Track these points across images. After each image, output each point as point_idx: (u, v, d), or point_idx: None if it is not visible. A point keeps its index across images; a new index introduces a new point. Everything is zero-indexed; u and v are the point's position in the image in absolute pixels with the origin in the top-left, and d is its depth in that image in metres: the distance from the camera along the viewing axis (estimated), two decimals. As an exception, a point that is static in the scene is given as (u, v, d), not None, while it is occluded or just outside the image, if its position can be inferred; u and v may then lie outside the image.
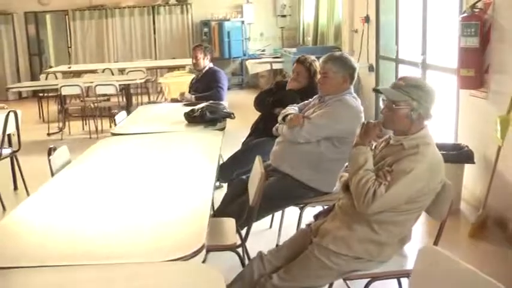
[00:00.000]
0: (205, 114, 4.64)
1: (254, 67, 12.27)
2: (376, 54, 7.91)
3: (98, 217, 2.63)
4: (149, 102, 8.72)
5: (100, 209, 2.74)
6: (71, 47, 13.90)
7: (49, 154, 3.54)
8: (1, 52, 13.76)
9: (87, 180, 3.26)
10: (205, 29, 13.61)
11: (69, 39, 13.92)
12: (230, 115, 4.82)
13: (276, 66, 11.98)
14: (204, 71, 6.31)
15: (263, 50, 13.74)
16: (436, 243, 2.72)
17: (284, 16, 13.72)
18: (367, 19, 8.06)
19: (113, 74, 10.53)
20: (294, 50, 10.42)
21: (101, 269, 2.06)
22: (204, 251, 2.15)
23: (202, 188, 2.92)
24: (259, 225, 4.23)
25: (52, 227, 2.52)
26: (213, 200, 4.52)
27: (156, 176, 3.27)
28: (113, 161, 3.71)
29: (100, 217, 2.62)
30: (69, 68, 11.81)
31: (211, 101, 5.05)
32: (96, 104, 9.08)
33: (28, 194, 5.67)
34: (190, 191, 2.92)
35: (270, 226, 4.51)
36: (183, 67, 10.57)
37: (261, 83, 12.71)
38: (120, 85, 8.88)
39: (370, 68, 8.01)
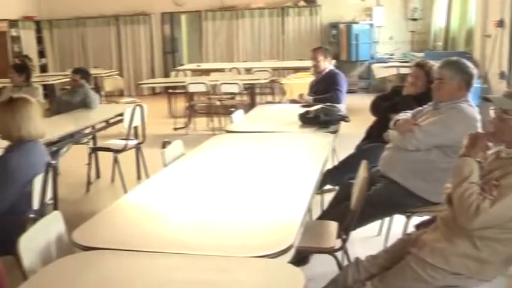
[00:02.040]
0: (320, 116, 4.64)
1: (380, 71, 12.03)
2: (509, 60, 7.48)
3: (196, 208, 2.73)
4: (268, 102, 8.84)
5: (200, 201, 2.84)
6: (202, 46, 14.41)
7: (163, 147, 3.72)
8: (139, 50, 14.60)
9: (193, 173, 3.40)
10: (334, 31, 13.57)
11: (201, 38, 14.43)
12: (344, 118, 4.78)
13: (403, 70, 11.65)
14: (323, 73, 6.30)
15: (392, 54, 13.44)
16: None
17: (415, 20, 13.31)
18: (500, 23, 7.65)
19: (239, 74, 10.81)
20: (421, 54, 10.11)
21: (188, 259, 2.14)
22: (292, 251, 2.16)
23: (301, 188, 2.93)
24: (367, 231, 4.17)
25: (153, 214, 2.66)
26: (322, 203, 4.58)
27: (260, 174, 3.33)
28: (221, 156, 3.82)
29: (198, 208, 2.72)
30: (198, 66, 12.27)
31: (327, 103, 5.03)
32: (221, 102, 9.37)
33: (149, 184, 6.01)
34: (289, 191, 2.93)
35: (379, 233, 4.42)
36: (308, 69, 10.58)
37: (387, 88, 12.44)
38: (244, 84, 9.08)
39: (501, 75, 7.59)
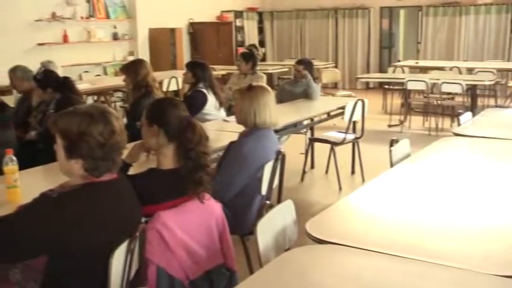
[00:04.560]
0: (560, 125, 4.24)
1: None
2: None
3: (427, 213, 2.63)
4: (497, 106, 8.28)
5: (431, 206, 2.74)
6: (420, 43, 13.97)
7: (391, 145, 3.65)
8: (355, 44, 14.59)
9: (424, 175, 3.29)
10: None
11: (419, 34, 14.00)
12: None
13: None
14: None
15: None
16: None
17: None
18: None
19: (460, 73, 10.30)
20: None
21: (424, 266, 2.05)
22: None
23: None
24: None
25: (382, 215, 2.62)
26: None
27: (495, 183, 3.12)
28: (452, 161, 3.65)
29: (429, 214, 2.62)
30: (417, 63, 11.94)
31: None
32: (439, 102, 9.03)
33: (363, 179, 5.99)
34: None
35: None
36: (538, 72, 9.80)
37: None
38: (466, 85, 8.63)
39: None
